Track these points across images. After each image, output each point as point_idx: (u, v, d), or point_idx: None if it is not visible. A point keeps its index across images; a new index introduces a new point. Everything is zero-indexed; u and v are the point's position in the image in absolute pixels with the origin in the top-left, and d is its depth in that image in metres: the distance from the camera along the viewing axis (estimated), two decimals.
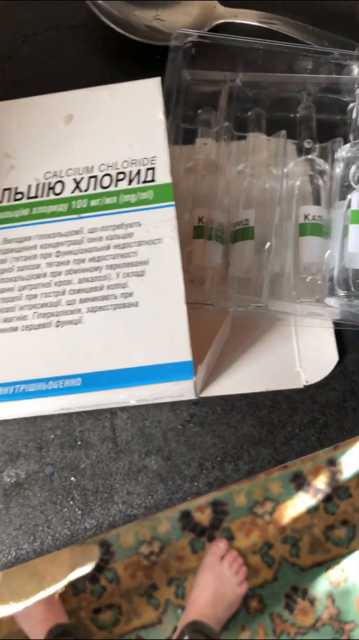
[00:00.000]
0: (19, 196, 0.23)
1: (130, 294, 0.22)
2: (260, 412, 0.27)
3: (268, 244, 0.25)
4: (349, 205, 0.25)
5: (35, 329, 0.22)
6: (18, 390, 0.21)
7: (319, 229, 0.26)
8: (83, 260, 0.22)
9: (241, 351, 0.27)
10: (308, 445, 0.27)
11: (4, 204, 0.23)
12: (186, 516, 0.98)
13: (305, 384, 0.27)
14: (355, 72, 0.28)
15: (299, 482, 1.00)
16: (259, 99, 0.29)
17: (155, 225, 0.23)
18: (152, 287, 0.22)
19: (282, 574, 0.97)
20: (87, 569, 0.82)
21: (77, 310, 0.22)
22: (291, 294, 0.25)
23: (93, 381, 0.21)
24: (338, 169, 0.27)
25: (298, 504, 0.99)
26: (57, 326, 0.22)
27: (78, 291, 0.22)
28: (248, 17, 0.29)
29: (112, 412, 0.27)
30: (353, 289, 0.25)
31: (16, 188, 0.23)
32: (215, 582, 0.92)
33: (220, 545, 0.95)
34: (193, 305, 0.25)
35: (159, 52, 0.29)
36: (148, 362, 0.22)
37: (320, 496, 0.99)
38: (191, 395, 0.25)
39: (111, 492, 0.26)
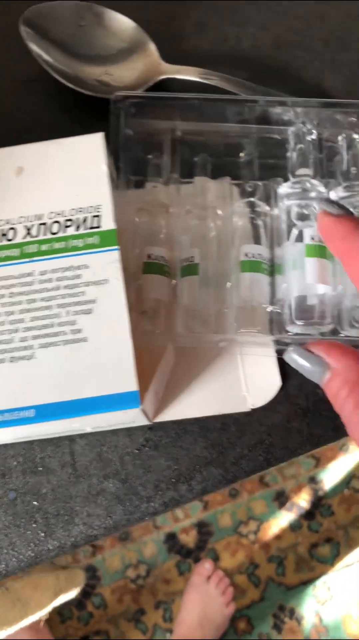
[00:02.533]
0: None
1: (79, 330, 0.24)
2: (211, 435, 0.29)
3: (228, 283, 0.28)
4: (301, 240, 0.28)
5: None
6: None
7: (259, 266, 0.28)
8: (34, 300, 0.24)
9: (191, 378, 0.29)
10: (256, 464, 0.28)
11: None
12: (171, 538, 0.99)
13: (251, 407, 0.29)
14: (285, 116, 0.30)
15: (282, 500, 1.01)
16: (207, 144, 0.32)
17: (101, 267, 0.25)
18: (99, 323, 0.24)
19: (269, 593, 0.97)
20: (71, 594, 0.82)
21: (30, 347, 0.24)
22: (233, 325, 0.27)
23: (46, 412, 0.23)
24: (280, 207, 0.29)
25: (282, 523, 1.00)
26: (11, 361, 0.24)
27: (31, 329, 0.24)
28: (189, 73, 0.32)
29: (71, 439, 0.29)
30: (310, 317, 0.27)
31: None
32: (202, 604, 0.92)
33: (206, 565, 0.96)
34: (144, 336, 0.27)
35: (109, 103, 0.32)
36: (97, 393, 0.23)
37: (303, 514, 1.00)
38: (144, 422, 0.27)
39: (72, 515, 0.28)
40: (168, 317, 0.28)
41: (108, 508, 0.28)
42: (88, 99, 0.32)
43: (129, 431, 0.29)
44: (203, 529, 1.00)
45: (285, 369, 0.29)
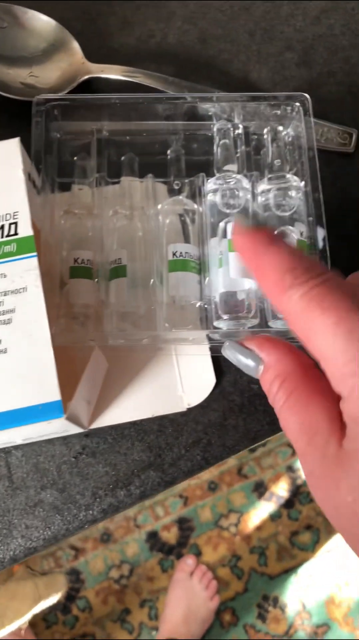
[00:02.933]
0: None
1: None
2: (148, 438, 0.28)
3: (151, 280, 0.27)
4: (224, 236, 0.27)
5: None
6: None
7: (187, 265, 0.28)
8: None
9: (127, 381, 0.29)
10: (194, 464, 0.28)
11: None
12: (153, 536, 0.99)
13: (187, 406, 0.29)
14: (211, 111, 0.30)
15: (261, 491, 1.02)
16: (134, 143, 0.31)
17: (19, 276, 0.24)
18: (19, 333, 0.24)
19: (252, 584, 0.98)
20: (52, 600, 0.81)
21: None
22: (164, 325, 0.27)
23: None
24: (206, 203, 0.29)
25: (262, 513, 1.01)
26: None
27: None
28: (113, 72, 0.32)
29: (6, 451, 0.28)
30: (236, 311, 0.27)
31: None
32: (186, 599, 0.92)
33: (188, 561, 0.96)
34: (74, 341, 0.27)
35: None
36: (19, 404, 0.23)
37: (283, 503, 1.01)
38: (77, 430, 0.27)
39: (10, 528, 0.27)
40: (99, 321, 0.27)
41: (47, 519, 0.28)
42: (14, 102, 0.31)
43: (65, 439, 0.28)
44: (184, 524, 1.00)
45: (220, 366, 0.29)
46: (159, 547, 1.00)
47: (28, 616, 0.71)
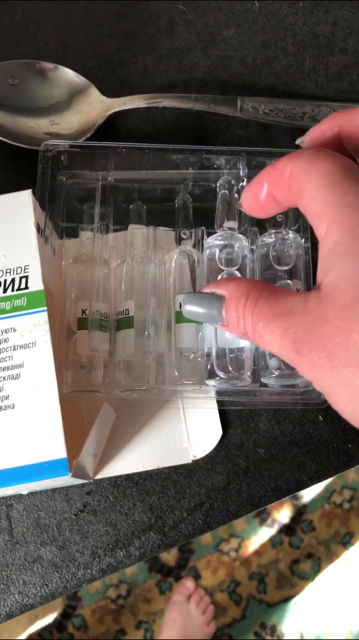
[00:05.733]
0: None
1: (7, 397, 0.24)
2: (150, 499, 0.28)
3: (146, 332, 0.27)
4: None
5: None
6: None
7: None
8: None
9: (133, 432, 0.29)
10: (196, 528, 0.28)
11: None
12: (152, 557, 0.98)
13: (193, 458, 0.28)
14: (217, 161, 0.30)
15: (264, 517, 1.01)
16: (141, 190, 0.31)
17: (29, 330, 0.24)
18: (27, 389, 0.24)
19: (250, 611, 0.97)
20: (48, 619, 0.81)
21: None
22: (173, 377, 0.27)
23: None
24: (203, 258, 0.28)
25: (263, 539, 1.00)
26: None
27: None
28: (135, 102, 0.32)
29: (8, 504, 0.28)
30: (230, 370, 0.26)
31: None
32: (183, 622, 0.92)
33: (187, 584, 0.95)
34: (81, 392, 0.27)
35: None
36: (25, 461, 0.23)
37: (284, 530, 1.00)
38: (82, 481, 0.27)
39: (7, 583, 0.27)
40: (107, 371, 0.27)
41: (45, 576, 0.27)
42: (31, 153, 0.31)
43: (67, 496, 0.28)
44: (185, 547, 1.00)
45: (228, 419, 0.29)
46: (158, 568, 1.00)
47: (23, 636, 0.71)
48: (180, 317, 0.28)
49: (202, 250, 0.29)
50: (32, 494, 0.28)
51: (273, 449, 0.29)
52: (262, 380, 0.26)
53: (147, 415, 0.29)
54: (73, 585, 0.27)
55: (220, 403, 0.29)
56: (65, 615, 0.98)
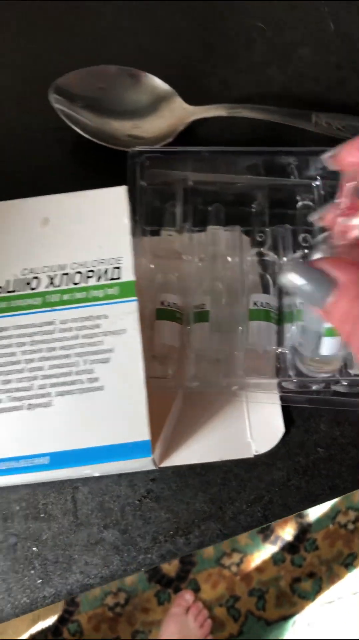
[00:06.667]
0: None
1: (96, 379, 0.25)
2: (212, 489, 0.29)
3: (239, 328, 0.28)
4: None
5: (8, 411, 0.24)
6: None
7: (267, 315, 0.29)
8: (54, 349, 0.25)
9: (198, 424, 0.30)
10: (254, 520, 0.29)
11: None
12: (153, 567, 0.98)
13: (255, 453, 0.29)
14: (309, 172, 0.31)
15: (267, 533, 1.01)
16: (219, 192, 0.32)
17: (119, 318, 0.25)
18: (115, 373, 0.25)
19: (248, 627, 0.97)
20: (49, 621, 0.81)
21: (47, 394, 0.24)
22: (241, 372, 0.28)
23: (60, 459, 0.24)
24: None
25: (265, 556, 1.00)
26: (29, 409, 0.24)
27: (49, 376, 0.25)
28: (217, 111, 0.33)
29: (74, 486, 0.29)
30: (303, 368, 0.28)
31: None
32: (179, 635, 0.91)
33: (186, 596, 0.95)
34: (155, 380, 0.28)
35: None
36: (111, 441, 0.24)
37: (287, 548, 1.00)
38: (151, 467, 0.28)
39: (70, 562, 0.28)
40: (180, 363, 0.29)
41: (106, 558, 0.28)
42: (122, 153, 0.32)
43: (131, 482, 0.29)
44: (186, 559, 0.99)
45: (290, 417, 0.30)
46: (158, 578, 0.99)
47: (26, 635, 0.71)
48: (253, 315, 0.29)
49: (284, 249, 0.30)
50: (97, 479, 0.29)
51: (332, 449, 0.30)
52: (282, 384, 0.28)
53: (210, 408, 0.30)
54: (132, 568, 0.28)
55: (283, 399, 0.30)
56: (62, 620, 0.97)
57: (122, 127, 0.34)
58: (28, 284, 0.26)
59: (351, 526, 1.01)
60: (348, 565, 0.99)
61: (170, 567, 0.99)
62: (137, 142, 0.33)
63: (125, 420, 0.24)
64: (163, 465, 0.29)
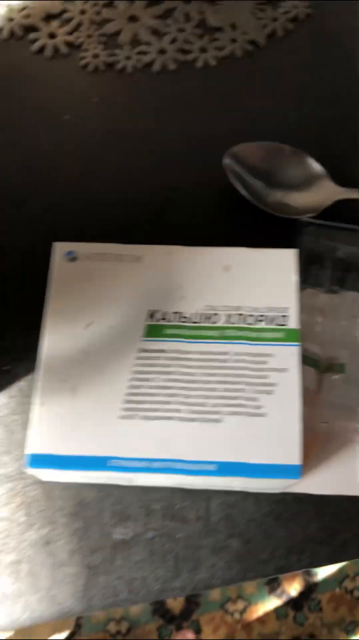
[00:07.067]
0: (184, 319, 0.31)
1: (260, 407, 0.29)
2: (325, 518, 0.33)
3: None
4: None
5: (186, 420, 0.29)
6: (169, 466, 0.28)
7: None
8: (227, 375, 0.30)
9: (317, 459, 0.34)
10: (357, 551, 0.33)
11: (174, 323, 0.31)
12: (158, 601, 0.99)
13: None
14: None
15: (274, 586, 1.02)
16: None
17: (284, 358, 0.30)
18: (277, 403, 0.30)
19: None
20: (63, 634, 0.83)
21: (219, 412, 0.29)
22: None
23: (225, 468, 0.28)
24: None
25: (269, 608, 1.01)
26: (203, 422, 0.29)
27: (222, 397, 0.29)
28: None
29: (208, 496, 0.33)
30: None
31: (182, 313, 0.31)
32: None
33: (187, 636, 0.96)
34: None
35: (284, 222, 0.39)
36: (268, 460, 0.28)
37: (292, 604, 1.01)
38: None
39: (198, 562, 0.32)
40: (312, 405, 0.33)
41: (229, 563, 0.32)
42: (268, 216, 0.38)
43: (258, 500, 0.33)
44: (192, 598, 1.01)
45: None
46: (162, 613, 1.01)
47: None
48: None
49: None
50: (227, 494, 0.33)
51: None
52: None
53: (332, 447, 0.35)
54: (252, 575, 0.32)
55: None
56: None
57: (275, 194, 0.40)
58: (209, 318, 0.31)
59: (357, 593, 1.03)
60: (348, 632, 1.00)
61: (176, 604, 1.01)
62: (286, 210, 0.39)
63: (282, 445, 0.29)
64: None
